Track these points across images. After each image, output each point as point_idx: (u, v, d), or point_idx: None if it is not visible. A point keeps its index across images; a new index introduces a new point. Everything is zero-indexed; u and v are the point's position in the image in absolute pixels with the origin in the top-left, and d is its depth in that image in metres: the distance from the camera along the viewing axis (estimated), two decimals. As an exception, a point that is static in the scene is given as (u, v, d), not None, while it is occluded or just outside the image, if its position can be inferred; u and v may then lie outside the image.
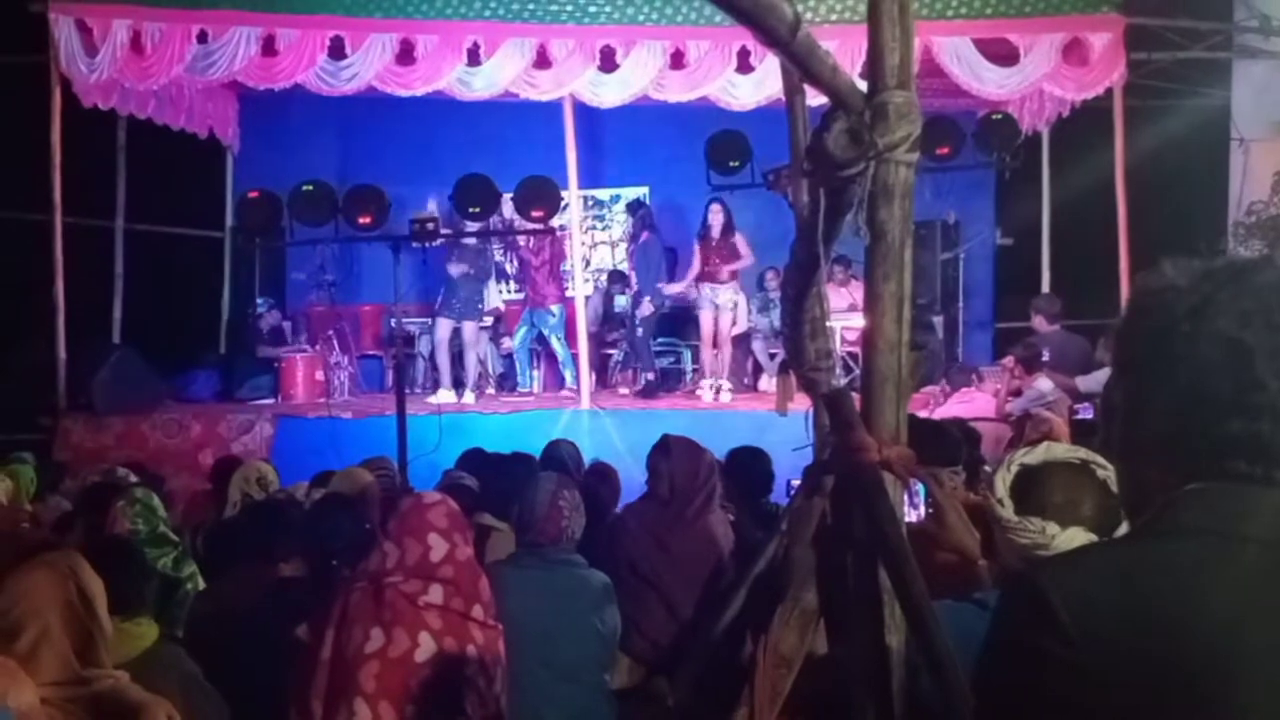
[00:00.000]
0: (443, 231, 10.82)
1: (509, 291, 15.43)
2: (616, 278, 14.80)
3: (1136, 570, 1.56)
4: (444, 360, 13.22)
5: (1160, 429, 1.65)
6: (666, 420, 10.79)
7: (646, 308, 13.39)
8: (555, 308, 13.48)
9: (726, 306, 13.16)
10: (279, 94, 13.13)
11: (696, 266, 13.28)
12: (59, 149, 12.26)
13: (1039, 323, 12.06)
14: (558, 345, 13.62)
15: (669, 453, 5.79)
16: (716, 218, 12.95)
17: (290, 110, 14.74)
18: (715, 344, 13.36)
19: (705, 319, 13.28)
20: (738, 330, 13.94)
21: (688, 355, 14.67)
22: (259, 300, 14.60)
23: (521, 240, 13.65)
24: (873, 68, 2.48)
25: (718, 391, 13.17)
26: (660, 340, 14.04)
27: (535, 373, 14.45)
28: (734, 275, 13.18)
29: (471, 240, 12.89)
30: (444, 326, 13.09)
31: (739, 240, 13.04)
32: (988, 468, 7.08)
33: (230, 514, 6.45)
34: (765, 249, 13.19)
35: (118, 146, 14.09)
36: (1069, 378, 11.05)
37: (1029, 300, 12.71)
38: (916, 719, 2.54)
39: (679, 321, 14.47)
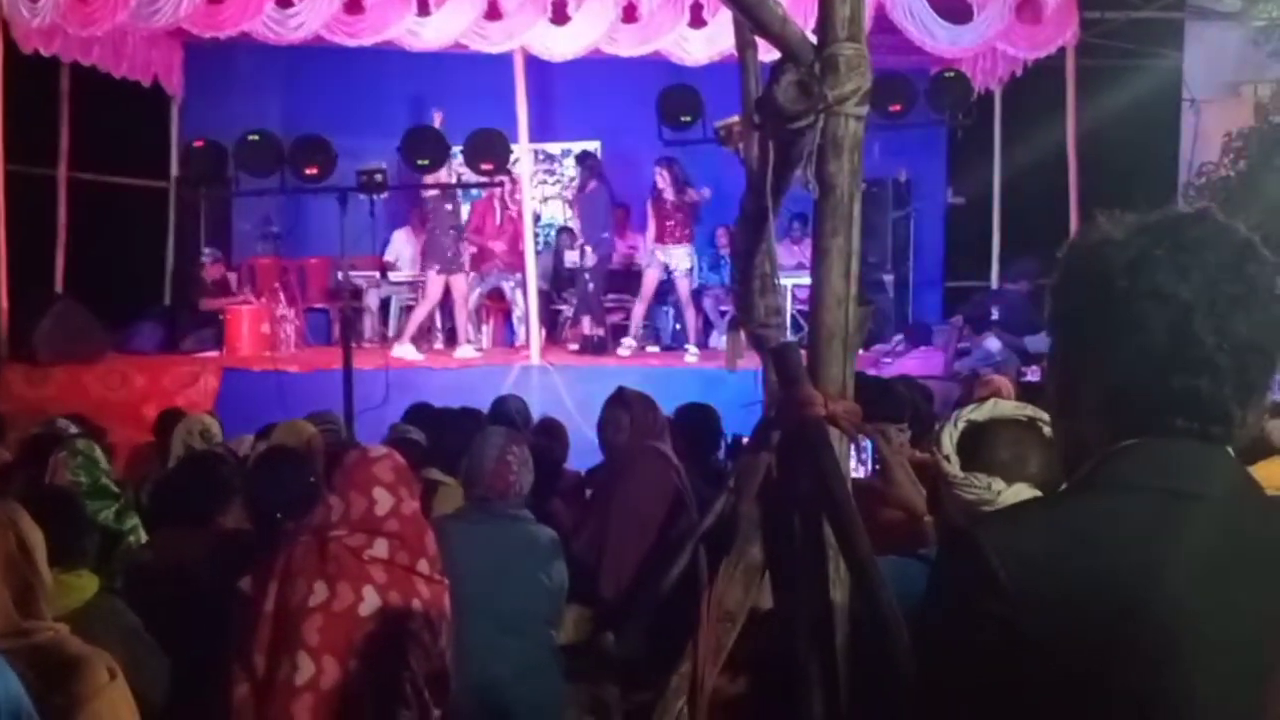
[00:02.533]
0: (391, 185, 10.76)
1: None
2: (566, 233, 14.72)
3: (1075, 526, 1.56)
4: (421, 314, 13.21)
5: (1098, 385, 1.64)
6: (616, 376, 10.70)
7: (590, 258, 13.33)
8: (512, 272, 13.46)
9: (681, 269, 13.12)
10: (224, 43, 12.98)
11: (652, 228, 13.22)
12: (0, 95, 12.06)
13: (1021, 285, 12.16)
14: (520, 300, 13.52)
15: (629, 404, 5.81)
16: (662, 179, 12.90)
17: (236, 59, 14.54)
18: (658, 303, 13.53)
19: (649, 277, 13.29)
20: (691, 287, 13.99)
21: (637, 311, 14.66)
22: (204, 250, 14.43)
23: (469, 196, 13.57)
24: (823, 20, 2.47)
25: (683, 353, 13.20)
26: (611, 296, 13.99)
27: (486, 328, 14.38)
28: (688, 236, 13.11)
29: (434, 193, 12.76)
30: (436, 283, 13.02)
31: (691, 192, 12.97)
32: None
33: (173, 467, 6.39)
34: (717, 206, 13.15)
35: (60, 93, 13.86)
36: (1017, 338, 11.13)
37: (979, 259, 12.75)
38: (860, 675, 2.55)
39: (630, 277, 14.44)
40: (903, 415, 5.40)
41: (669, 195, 12.91)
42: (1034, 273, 12.16)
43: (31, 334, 11.86)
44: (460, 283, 13.04)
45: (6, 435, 8.62)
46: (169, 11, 12.00)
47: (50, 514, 3.51)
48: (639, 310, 13.56)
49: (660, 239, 13.10)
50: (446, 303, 13.46)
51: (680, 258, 13.05)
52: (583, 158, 14.34)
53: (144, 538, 5.38)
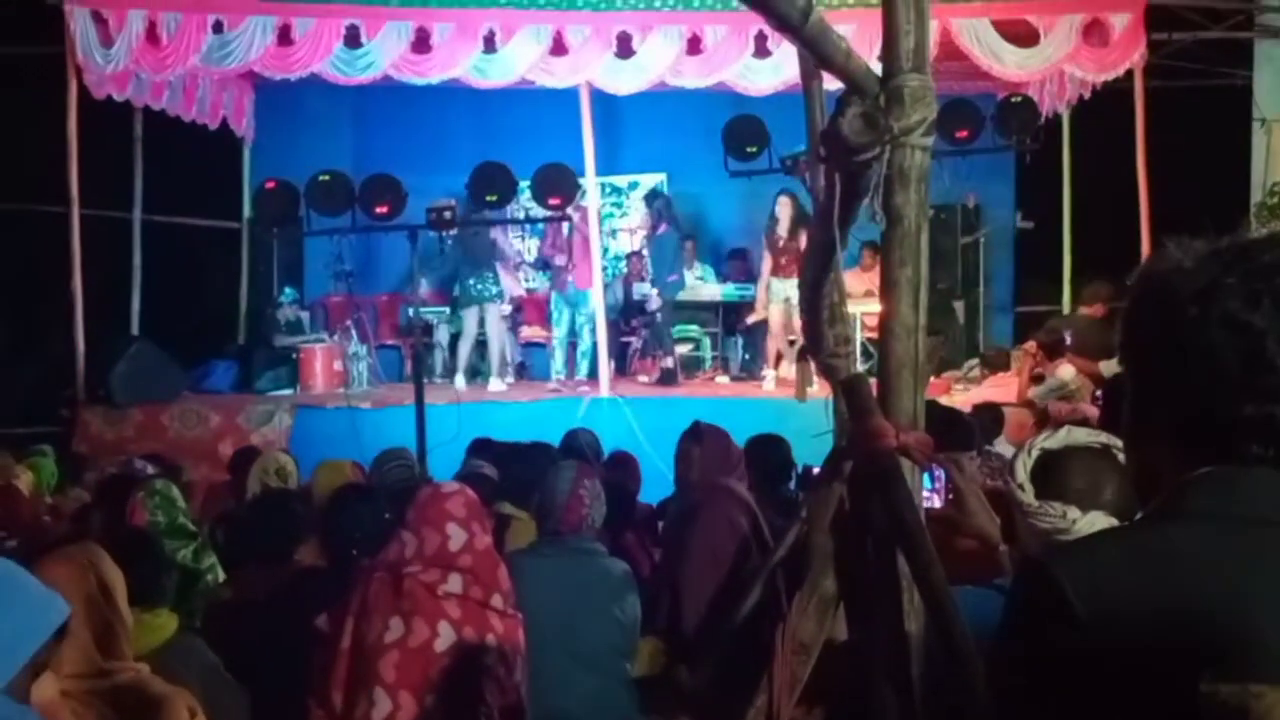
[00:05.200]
0: (459, 220, 10.82)
1: (528, 280, 15.42)
2: (635, 258, 14.69)
3: (1150, 555, 1.54)
4: (466, 349, 13.25)
5: (1170, 413, 1.62)
6: (686, 408, 10.73)
7: (656, 301, 13.34)
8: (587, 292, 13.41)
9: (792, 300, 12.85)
10: (294, 84, 13.14)
11: (768, 266, 13.00)
12: (75, 141, 12.28)
13: (1096, 309, 11.99)
14: (586, 333, 13.48)
15: (700, 439, 5.79)
16: (784, 211, 12.63)
17: (306, 100, 14.73)
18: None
19: (776, 314, 12.96)
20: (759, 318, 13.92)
21: (706, 343, 14.61)
22: (284, 291, 14.58)
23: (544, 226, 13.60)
24: (887, 51, 2.47)
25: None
26: (679, 327, 13.96)
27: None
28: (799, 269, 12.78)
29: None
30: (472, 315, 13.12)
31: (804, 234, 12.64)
32: (994, 448, 7.08)
33: (249, 505, 6.45)
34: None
35: (134, 138, 14.10)
36: (1092, 363, 11.01)
37: (1050, 284, 12.60)
38: (935, 706, 2.52)
39: (699, 309, 14.42)
40: (970, 444, 5.37)
41: (783, 230, 12.67)
42: (1106, 296, 12.02)
43: (108, 375, 12.02)
44: (473, 316, 13.14)
45: (85, 476, 8.75)
46: (240, 54, 12.23)
47: (129, 554, 3.56)
48: (774, 345, 13.25)
49: (778, 273, 12.83)
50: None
51: (792, 290, 12.76)
52: (651, 198, 14.32)
53: (221, 576, 5.44)
